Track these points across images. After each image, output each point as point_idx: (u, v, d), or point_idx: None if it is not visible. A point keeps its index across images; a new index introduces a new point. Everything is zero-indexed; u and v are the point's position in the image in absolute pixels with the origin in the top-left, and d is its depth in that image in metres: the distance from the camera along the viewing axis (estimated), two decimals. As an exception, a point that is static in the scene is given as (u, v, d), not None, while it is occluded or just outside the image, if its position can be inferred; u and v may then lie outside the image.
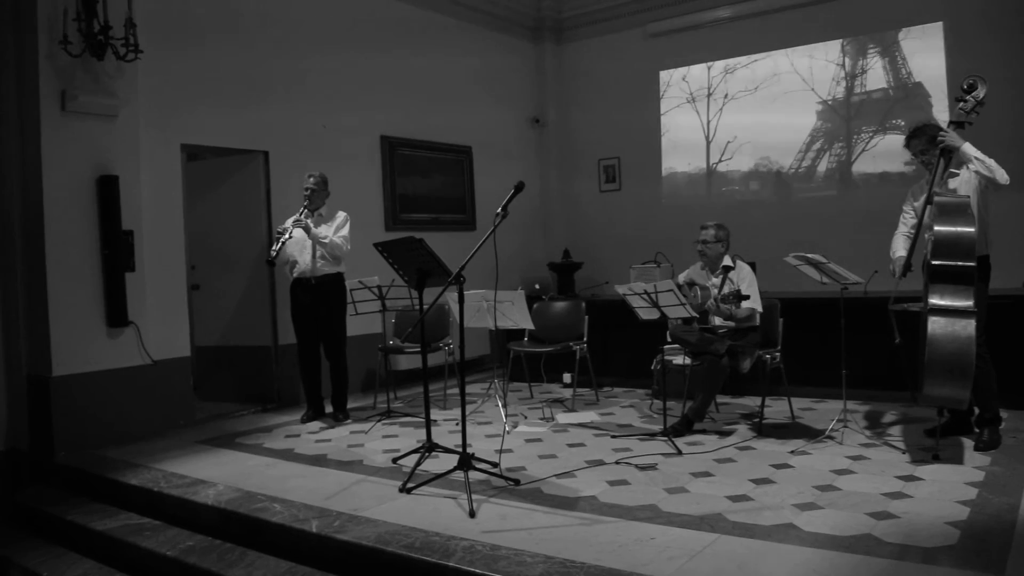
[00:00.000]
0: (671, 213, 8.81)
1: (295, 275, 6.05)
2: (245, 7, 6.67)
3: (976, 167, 4.34)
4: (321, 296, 5.99)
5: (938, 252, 4.21)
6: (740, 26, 8.44)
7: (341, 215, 6.08)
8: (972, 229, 4.19)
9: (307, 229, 5.85)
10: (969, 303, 4.13)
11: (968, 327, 4.07)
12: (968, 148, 4.39)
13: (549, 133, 9.67)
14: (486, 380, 7.58)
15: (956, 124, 4.55)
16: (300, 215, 5.90)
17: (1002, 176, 4.30)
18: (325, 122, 7.23)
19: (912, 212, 4.79)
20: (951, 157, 4.51)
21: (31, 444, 5.48)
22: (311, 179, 6.00)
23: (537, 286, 8.35)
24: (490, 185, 8.66)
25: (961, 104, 4.56)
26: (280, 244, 5.75)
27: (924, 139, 4.65)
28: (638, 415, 5.95)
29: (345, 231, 6.02)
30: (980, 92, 4.52)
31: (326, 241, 5.90)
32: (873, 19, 7.73)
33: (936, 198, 4.38)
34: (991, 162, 4.32)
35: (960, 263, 4.17)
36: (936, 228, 4.23)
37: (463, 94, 8.66)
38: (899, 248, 4.78)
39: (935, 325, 4.11)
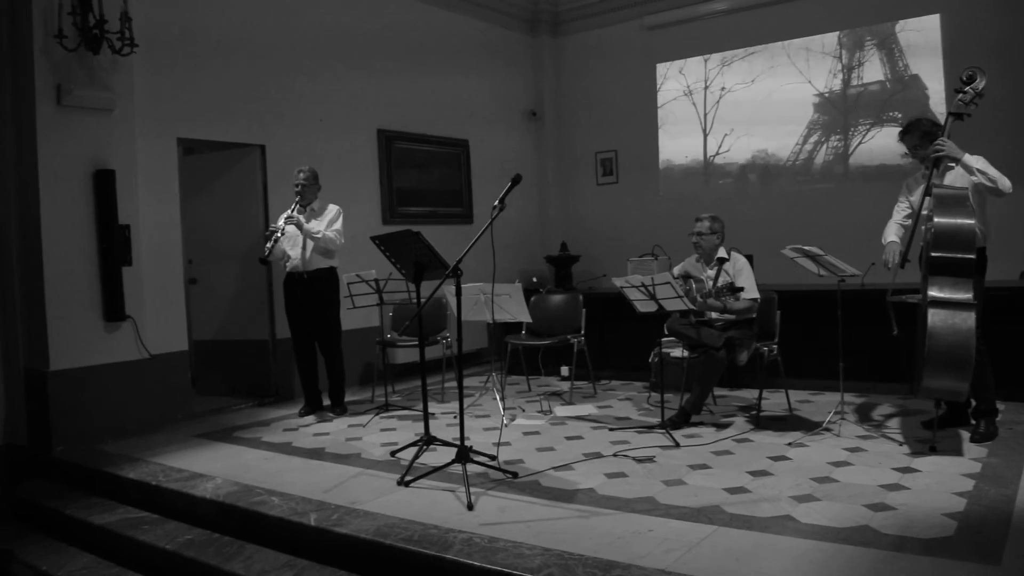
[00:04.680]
0: (668, 206, 8.82)
1: (288, 269, 6.04)
2: (241, 1, 6.64)
3: (979, 179, 4.30)
4: (314, 291, 5.98)
5: (938, 244, 4.20)
6: (737, 19, 8.43)
7: (334, 208, 6.05)
8: (971, 221, 4.19)
9: (299, 225, 5.83)
10: (969, 295, 4.13)
11: (968, 320, 4.07)
12: (968, 159, 4.34)
13: (546, 126, 9.66)
14: (484, 373, 7.58)
15: (955, 116, 4.53)
16: (292, 211, 5.88)
17: (1005, 185, 4.27)
18: (322, 116, 7.22)
19: (907, 204, 4.78)
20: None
21: (29, 439, 5.48)
22: (301, 174, 5.96)
23: (534, 279, 8.36)
24: (487, 178, 8.66)
25: (960, 95, 4.53)
26: (273, 243, 5.74)
27: (917, 134, 4.62)
28: (636, 408, 5.96)
29: (338, 225, 5.99)
30: (979, 83, 4.50)
31: (319, 236, 5.88)
32: (870, 11, 7.73)
33: (935, 190, 4.37)
34: (993, 172, 4.29)
35: (959, 255, 4.17)
36: (936, 220, 4.22)
37: (460, 87, 8.65)
38: (890, 234, 4.74)
39: (935, 317, 4.11)
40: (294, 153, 6.77)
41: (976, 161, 4.34)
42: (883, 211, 4.92)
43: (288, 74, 6.94)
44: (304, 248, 5.93)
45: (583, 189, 9.57)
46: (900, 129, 4.83)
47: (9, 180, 5.51)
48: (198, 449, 5.23)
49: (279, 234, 5.77)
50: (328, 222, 5.97)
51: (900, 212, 4.81)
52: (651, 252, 7.92)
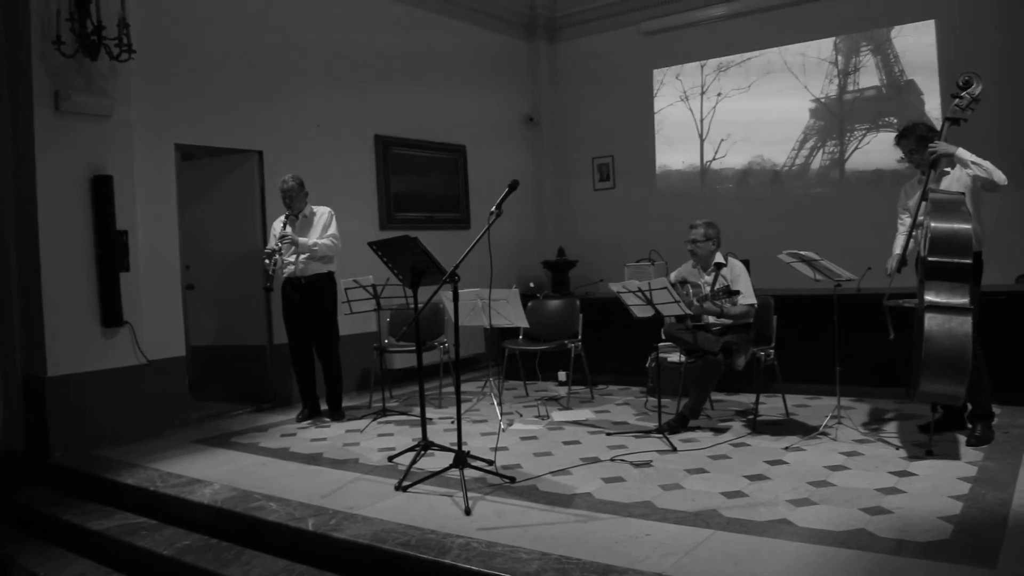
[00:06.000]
0: (665, 211, 8.82)
1: (285, 275, 6.05)
2: (239, 7, 6.66)
3: (974, 171, 4.31)
4: (310, 296, 5.98)
5: (934, 248, 4.21)
6: (733, 24, 8.46)
7: (325, 212, 6.05)
8: (968, 226, 4.20)
9: (294, 244, 5.84)
10: (965, 300, 4.14)
11: (964, 324, 4.08)
12: (962, 153, 4.35)
13: (543, 131, 9.69)
14: (481, 378, 7.59)
15: (951, 121, 4.54)
16: (283, 228, 5.89)
17: (1000, 177, 4.29)
18: (319, 121, 7.23)
19: (907, 213, 4.79)
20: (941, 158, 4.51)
21: (27, 444, 5.48)
22: (285, 184, 5.95)
23: (532, 284, 8.37)
24: (484, 184, 8.67)
25: (956, 101, 4.55)
26: (273, 267, 5.75)
27: (913, 139, 4.63)
28: (633, 413, 5.97)
29: (332, 228, 5.99)
30: (976, 88, 4.51)
31: (316, 249, 5.89)
32: (866, 17, 7.76)
33: (931, 195, 4.38)
34: (987, 164, 4.31)
35: (956, 260, 4.18)
36: (932, 225, 4.23)
37: (457, 93, 8.67)
38: (896, 247, 4.79)
39: (932, 322, 4.12)
40: (292, 159, 6.78)
41: (970, 155, 4.36)
42: (879, 216, 4.95)
43: (286, 80, 6.95)
44: (297, 253, 5.93)
45: (580, 194, 9.58)
46: (897, 133, 4.85)
47: (7, 186, 5.51)
48: (196, 455, 5.23)
49: (276, 256, 5.78)
50: (322, 227, 5.98)
51: (904, 223, 4.81)
52: (648, 257, 7.94)
